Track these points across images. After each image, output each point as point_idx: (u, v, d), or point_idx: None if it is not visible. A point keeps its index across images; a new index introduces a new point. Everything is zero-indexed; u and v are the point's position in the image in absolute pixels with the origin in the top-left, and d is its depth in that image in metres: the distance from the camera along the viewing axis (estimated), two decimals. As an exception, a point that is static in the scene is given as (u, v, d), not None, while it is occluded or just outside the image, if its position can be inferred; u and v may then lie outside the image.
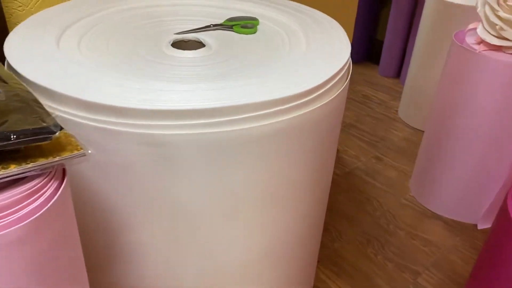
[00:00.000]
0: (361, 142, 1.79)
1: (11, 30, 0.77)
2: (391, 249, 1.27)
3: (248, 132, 0.60)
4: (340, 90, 0.70)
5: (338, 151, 1.73)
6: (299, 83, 0.64)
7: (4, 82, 0.49)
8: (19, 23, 0.78)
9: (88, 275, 0.56)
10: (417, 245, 1.29)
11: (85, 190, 0.64)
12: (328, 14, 0.90)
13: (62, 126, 0.57)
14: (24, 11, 0.86)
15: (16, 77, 0.52)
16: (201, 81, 0.65)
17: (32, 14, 0.82)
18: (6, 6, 0.83)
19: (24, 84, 0.49)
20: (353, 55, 2.45)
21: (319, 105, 0.65)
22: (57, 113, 0.58)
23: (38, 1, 0.87)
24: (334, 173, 1.58)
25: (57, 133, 0.42)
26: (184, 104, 0.57)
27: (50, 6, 0.86)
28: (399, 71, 2.35)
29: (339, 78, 0.70)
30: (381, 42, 2.40)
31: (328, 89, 0.67)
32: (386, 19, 2.40)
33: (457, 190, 1.38)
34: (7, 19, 0.84)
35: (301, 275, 0.92)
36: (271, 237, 0.75)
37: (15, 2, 0.84)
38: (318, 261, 1.19)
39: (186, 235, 0.68)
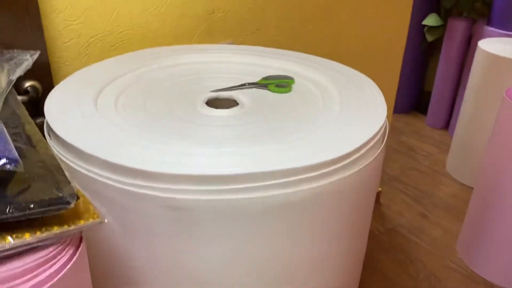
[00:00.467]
0: (406, 196, 1.71)
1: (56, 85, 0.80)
2: (434, 317, 1.19)
3: (273, 200, 0.58)
4: (374, 156, 0.67)
5: (381, 205, 1.67)
6: (329, 149, 0.62)
7: (33, 146, 0.50)
8: (65, 77, 0.82)
9: None
10: (464, 314, 1.20)
11: (103, 248, 0.63)
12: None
13: (86, 184, 0.58)
14: (69, 67, 0.90)
15: (45, 141, 0.53)
16: (229, 144, 0.65)
17: (76, 70, 0.86)
18: (53, 62, 0.87)
19: (52, 148, 0.51)
20: (400, 104, 2.40)
21: (350, 173, 0.62)
22: (84, 172, 0.59)
23: (83, 57, 0.91)
24: (376, 229, 1.52)
25: (72, 204, 0.42)
26: (207, 170, 0.56)
27: (94, 62, 0.90)
28: (447, 122, 2.26)
29: (374, 143, 0.67)
30: (429, 93, 2.34)
31: (361, 155, 0.64)
32: (434, 69, 2.35)
33: (509, 254, 1.28)
34: (54, 74, 0.88)
35: None
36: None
37: (61, 58, 0.88)
38: (354, 327, 1.12)
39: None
